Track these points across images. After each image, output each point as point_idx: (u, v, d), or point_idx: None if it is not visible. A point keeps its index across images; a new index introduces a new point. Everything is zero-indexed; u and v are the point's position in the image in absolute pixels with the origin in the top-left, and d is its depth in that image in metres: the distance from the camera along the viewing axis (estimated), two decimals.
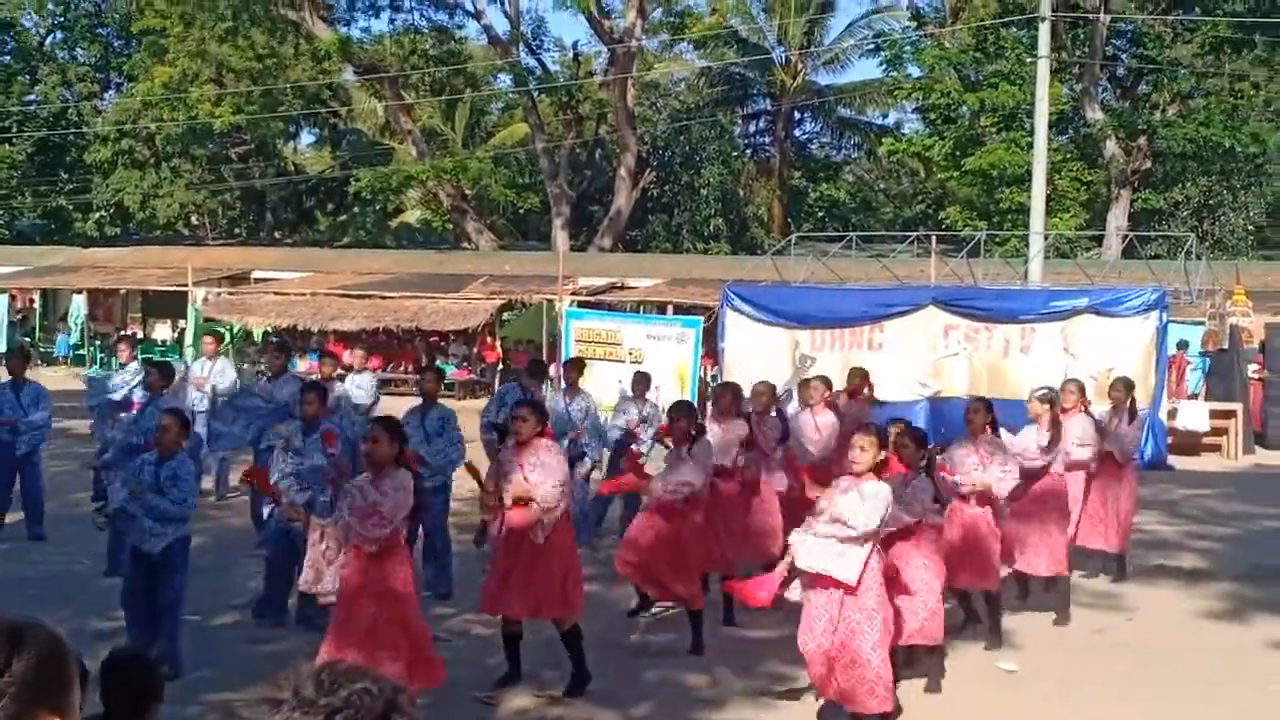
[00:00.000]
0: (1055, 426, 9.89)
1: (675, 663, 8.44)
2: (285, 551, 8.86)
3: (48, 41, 51.87)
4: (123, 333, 29.07)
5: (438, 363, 30.09)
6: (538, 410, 8.05)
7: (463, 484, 10.38)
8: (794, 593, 7.05)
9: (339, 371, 13.64)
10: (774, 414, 10.60)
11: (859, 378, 12.94)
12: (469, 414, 17.05)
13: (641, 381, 13.00)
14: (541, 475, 7.60)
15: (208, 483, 14.29)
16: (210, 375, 14.21)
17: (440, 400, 10.99)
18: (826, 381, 11.95)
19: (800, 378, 16.15)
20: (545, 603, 7.68)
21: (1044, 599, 10.10)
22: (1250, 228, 40.86)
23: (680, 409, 9.06)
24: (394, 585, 6.91)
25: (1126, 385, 11.64)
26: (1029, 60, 34.48)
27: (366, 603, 6.81)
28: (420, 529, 10.29)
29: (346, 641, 6.72)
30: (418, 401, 11.03)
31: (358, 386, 13.48)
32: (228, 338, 31.07)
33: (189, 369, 15.30)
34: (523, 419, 7.78)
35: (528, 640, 7.99)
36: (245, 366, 29.40)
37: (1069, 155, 40.51)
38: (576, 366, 12.86)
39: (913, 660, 7.96)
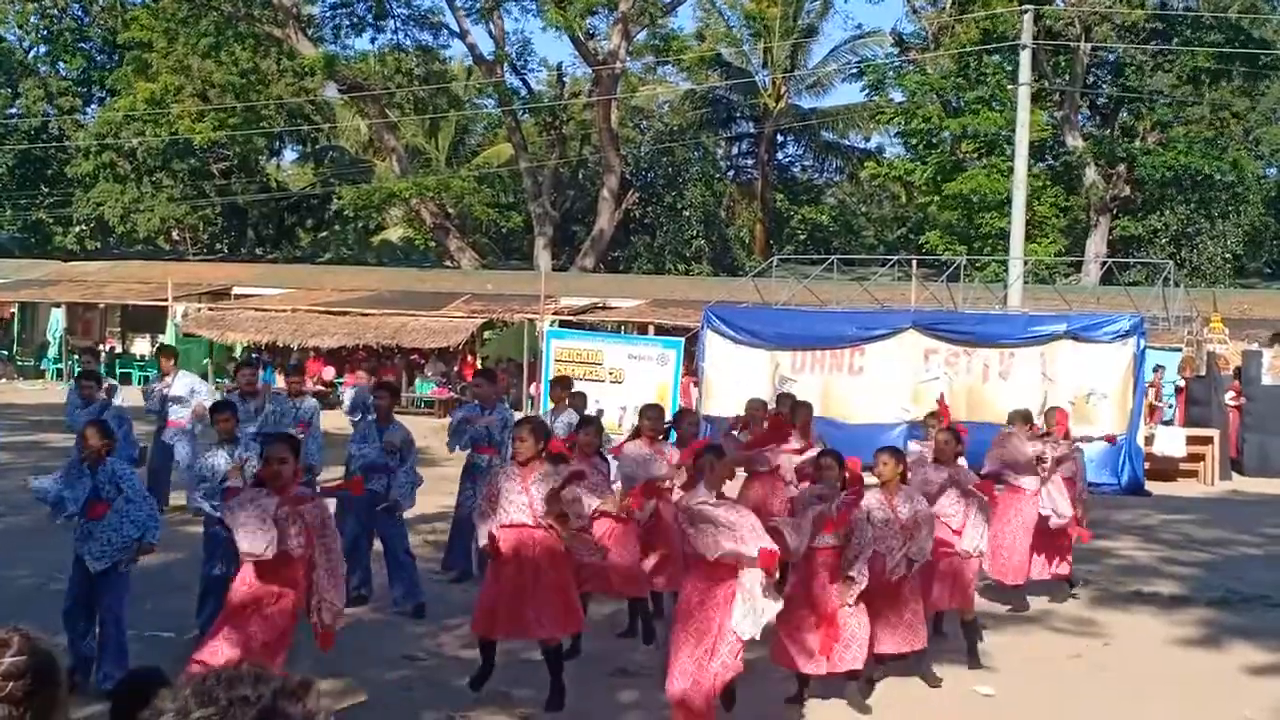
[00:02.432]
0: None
1: (653, 682, 8.41)
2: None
3: (30, 55, 51.72)
4: (90, 347, 28.95)
5: (417, 381, 30.15)
6: (537, 429, 7.93)
7: (430, 499, 10.33)
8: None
9: (312, 387, 13.51)
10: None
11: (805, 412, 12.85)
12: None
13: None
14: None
15: (180, 499, 14.23)
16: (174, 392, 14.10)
17: (398, 419, 10.97)
18: (790, 404, 11.89)
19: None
20: (554, 620, 7.65)
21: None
22: (1228, 256, 41.13)
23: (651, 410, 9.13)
24: (284, 602, 6.86)
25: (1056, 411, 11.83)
26: (1010, 87, 34.75)
27: (254, 613, 6.77)
28: (383, 548, 10.31)
29: (227, 645, 6.70)
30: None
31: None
32: (196, 351, 31.01)
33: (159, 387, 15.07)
34: (521, 439, 7.71)
35: (502, 661, 7.96)
36: (226, 382, 29.30)
37: (1049, 182, 40.79)
38: (563, 384, 12.81)
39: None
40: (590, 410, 13.04)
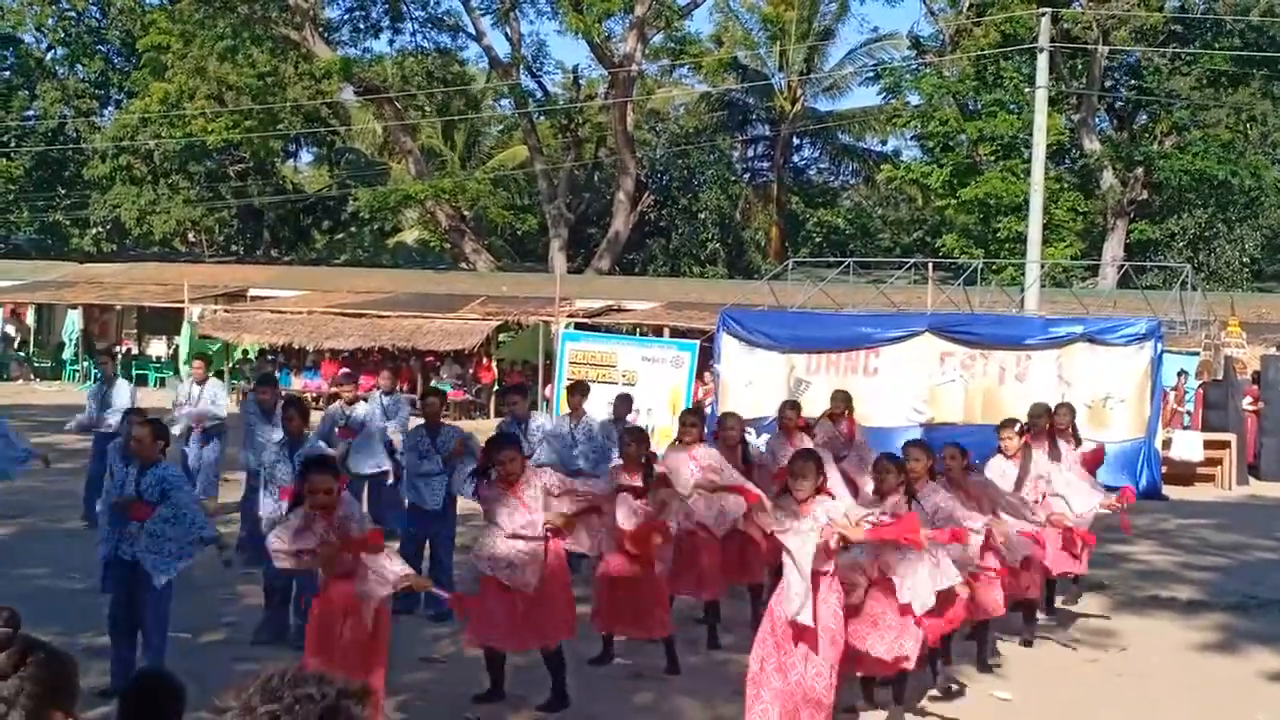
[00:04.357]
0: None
1: (666, 686, 8.41)
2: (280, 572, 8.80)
3: (48, 57, 51.95)
4: (112, 348, 29.06)
5: (433, 383, 30.18)
6: (515, 445, 8.02)
7: (465, 504, 10.28)
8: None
9: (361, 394, 13.41)
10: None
11: (841, 401, 12.89)
12: None
13: (623, 404, 12.88)
14: (551, 501, 7.62)
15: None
16: (202, 401, 13.88)
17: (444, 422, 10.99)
18: (798, 407, 11.94)
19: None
20: (541, 635, 7.65)
21: (1014, 619, 10.06)
22: (1245, 260, 40.96)
23: (633, 435, 9.00)
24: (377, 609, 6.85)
25: (1069, 410, 11.38)
26: (1027, 90, 34.66)
27: (343, 622, 6.74)
28: (428, 550, 10.31)
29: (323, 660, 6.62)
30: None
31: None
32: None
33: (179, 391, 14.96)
34: (510, 460, 7.71)
35: (515, 663, 7.97)
36: (241, 383, 29.37)
37: (1066, 185, 40.65)
38: (580, 390, 12.69)
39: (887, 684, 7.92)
40: (599, 413, 13.00)
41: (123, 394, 13.33)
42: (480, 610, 7.71)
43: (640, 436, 8.95)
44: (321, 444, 10.55)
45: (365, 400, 13.21)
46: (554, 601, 7.67)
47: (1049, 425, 10.84)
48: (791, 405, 11.93)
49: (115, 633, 7.80)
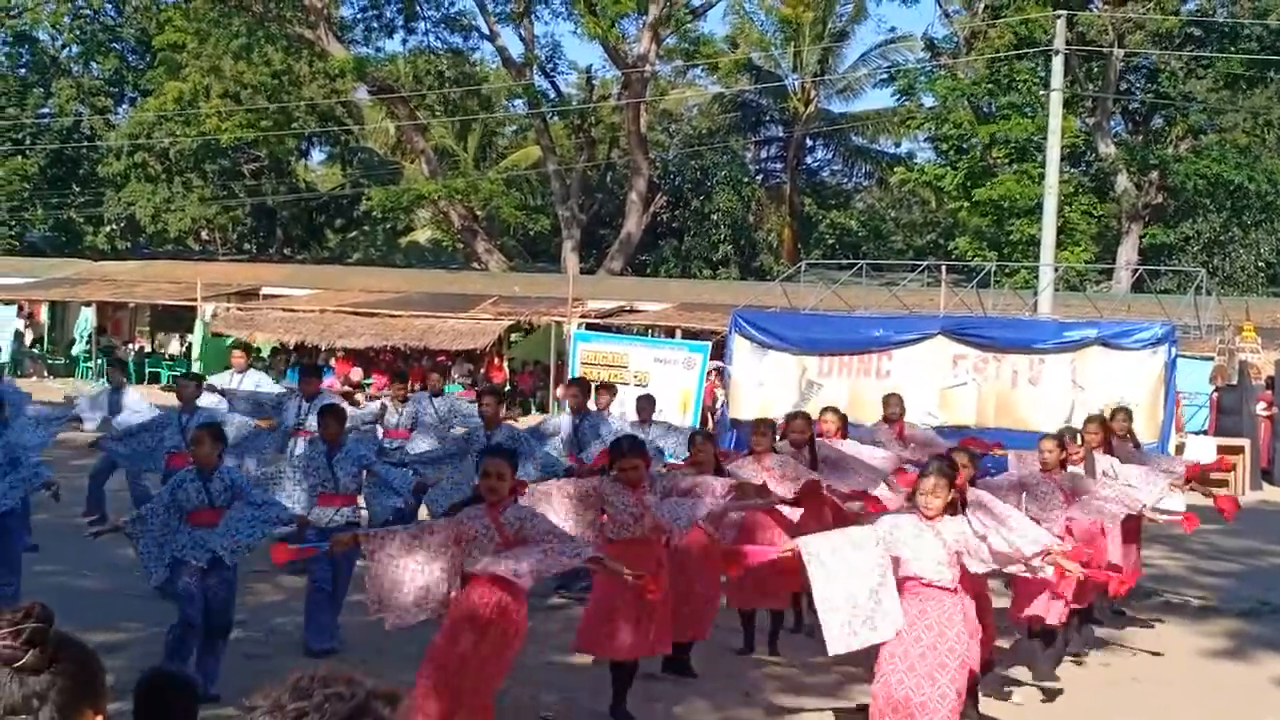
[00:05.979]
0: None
1: (679, 688, 8.40)
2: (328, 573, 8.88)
3: (64, 54, 52.09)
4: (118, 355, 29.10)
5: (446, 385, 30.21)
6: (640, 451, 7.70)
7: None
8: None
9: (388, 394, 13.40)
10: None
11: (896, 404, 12.48)
12: None
13: (647, 404, 12.82)
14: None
15: None
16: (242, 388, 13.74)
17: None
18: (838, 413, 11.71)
19: (806, 404, 16.17)
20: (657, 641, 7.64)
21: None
22: (1260, 264, 40.83)
23: (706, 436, 8.86)
24: (511, 623, 6.52)
25: (1126, 414, 10.94)
26: (1042, 93, 34.57)
27: (473, 636, 6.42)
28: None
29: (443, 675, 6.37)
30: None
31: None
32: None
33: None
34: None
35: (525, 664, 7.98)
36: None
37: (1080, 188, 40.54)
38: (583, 389, 12.65)
39: None
40: (617, 414, 12.97)
41: (136, 402, 13.30)
42: (599, 617, 7.52)
43: (711, 437, 8.85)
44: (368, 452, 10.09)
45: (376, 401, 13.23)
46: (666, 606, 7.60)
47: (1103, 435, 10.47)
48: (805, 416, 11.72)
49: (190, 635, 7.74)
